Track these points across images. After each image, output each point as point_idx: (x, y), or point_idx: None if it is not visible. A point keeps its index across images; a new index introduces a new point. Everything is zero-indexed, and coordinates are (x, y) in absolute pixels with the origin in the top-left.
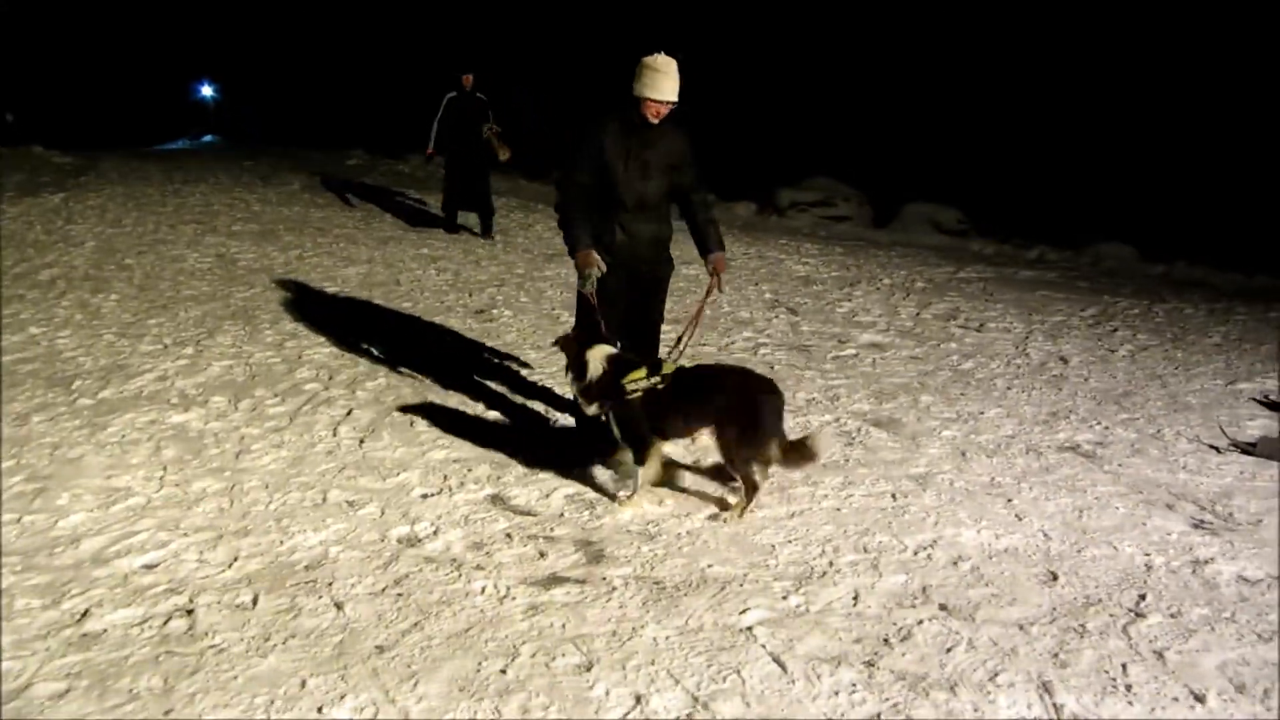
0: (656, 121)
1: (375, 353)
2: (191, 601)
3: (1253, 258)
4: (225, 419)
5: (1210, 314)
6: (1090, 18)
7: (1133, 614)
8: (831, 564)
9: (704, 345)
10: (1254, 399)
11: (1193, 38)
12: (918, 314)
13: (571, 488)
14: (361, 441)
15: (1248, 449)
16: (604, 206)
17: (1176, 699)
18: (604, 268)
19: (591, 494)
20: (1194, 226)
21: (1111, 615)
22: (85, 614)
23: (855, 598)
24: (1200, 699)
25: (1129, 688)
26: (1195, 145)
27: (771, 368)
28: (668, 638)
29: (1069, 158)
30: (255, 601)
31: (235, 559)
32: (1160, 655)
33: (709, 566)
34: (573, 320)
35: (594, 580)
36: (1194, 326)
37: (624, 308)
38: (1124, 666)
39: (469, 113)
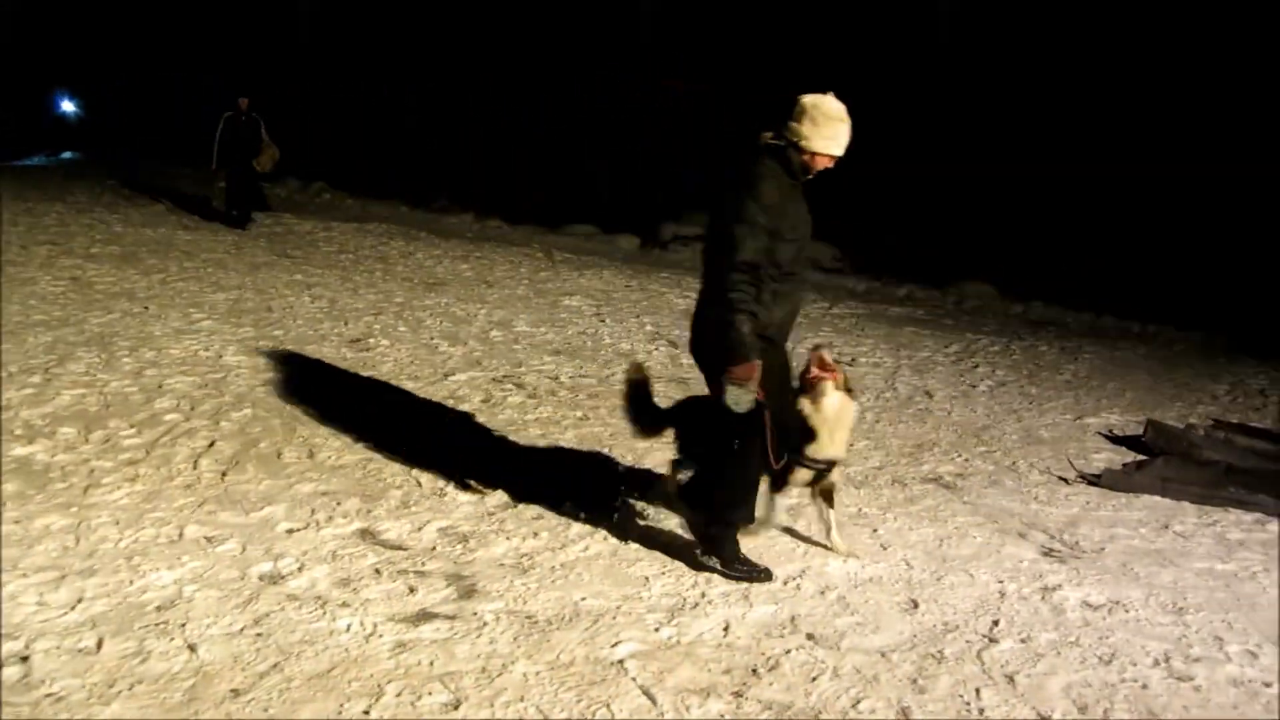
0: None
1: (242, 382)
2: (28, 647)
3: (1101, 298)
4: (74, 451)
5: (1062, 352)
6: (950, 58)
7: (987, 639)
8: (704, 595)
9: (585, 377)
10: (1100, 433)
11: (1047, 78)
12: (793, 349)
13: (444, 520)
14: (224, 475)
15: (1093, 480)
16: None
17: None
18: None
19: (466, 527)
20: (1049, 268)
21: (968, 641)
22: None
23: (726, 628)
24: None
25: (982, 711)
26: (1050, 189)
27: None
28: (538, 673)
29: (937, 198)
30: (100, 645)
31: (79, 600)
32: (1011, 679)
33: (582, 599)
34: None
35: (465, 616)
36: (1047, 364)
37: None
38: (978, 691)
39: (244, 130)
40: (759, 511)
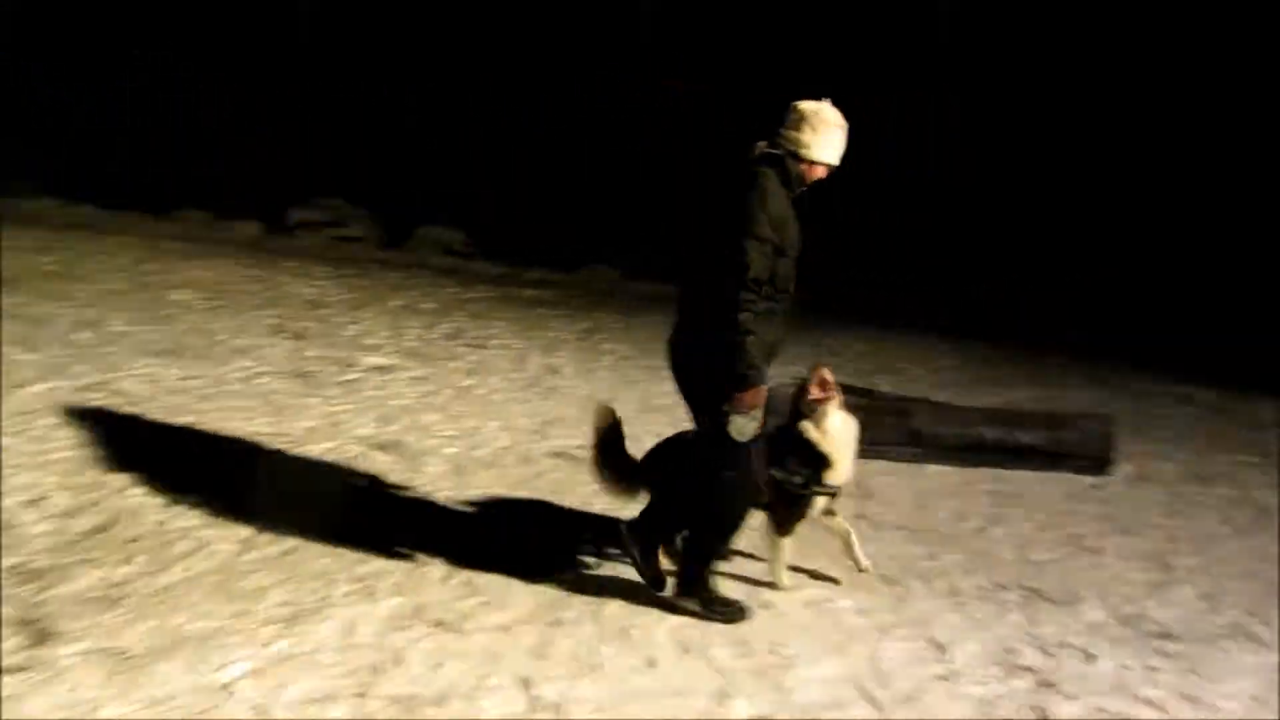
0: None
1: None
2: None
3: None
4: None
5: None
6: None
7: (601, 600)
8: (325, 599)
9: (196, 378)
10: None
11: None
12: (424, 335)
13: (14, 557)
14: None
15: None
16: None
17: (635, 667)
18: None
19: (39, 562)
20: (668, 251)
21: (586, 605)
22: None
23: (350, 629)
24: (653, 664)
25: (598, 666)
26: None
27: (266, 398)
28: (133, 713)
29: (569, 183)
30: None
31: None
32: (625, 632)
33: (185, 624)
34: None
35: (39, 664)
36: (664, 337)
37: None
38: (596, 648)
39: None
40: (773, 561)
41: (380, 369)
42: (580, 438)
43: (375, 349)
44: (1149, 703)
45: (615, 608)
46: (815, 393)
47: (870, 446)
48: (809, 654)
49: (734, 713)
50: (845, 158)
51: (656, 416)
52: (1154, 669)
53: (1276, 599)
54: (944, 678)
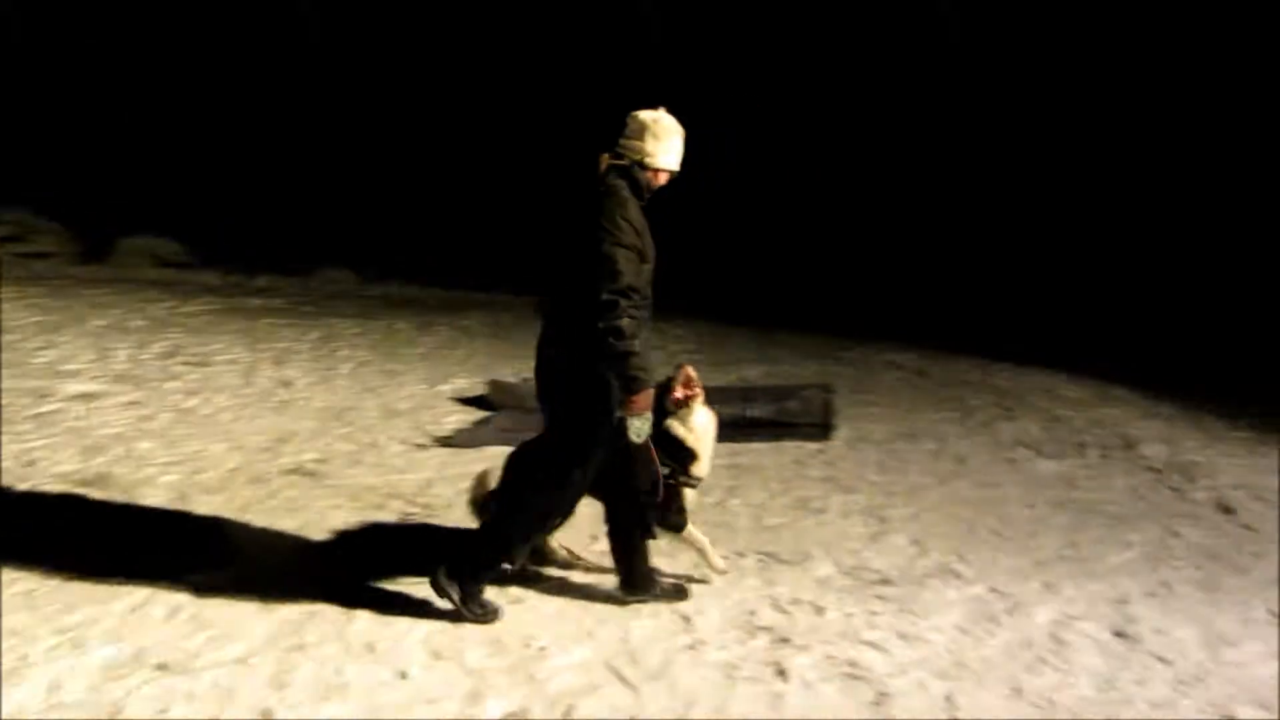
0: None
1: None
2: None
3: (455, 274)
4: None
5: (418, 327)
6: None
7: (346, 617)
8: (24, 657)
9: None
10: (451, 398)
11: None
12: (135, 355)
13: None
14: None
15: (445, 442)
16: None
17: (385, 681)
18: None
19: None
20: (408, 249)
21: (330, 625)
22: None
23: (55, 687)
24: (404, 675)
25: (344, 686)
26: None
27: None
28: None
29: (292, 181)
30: None
31: None
32: (372, 647)
33: None
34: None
35: None
36: (404, 340)
37: None
38: (342, 668)
39: None
40: (703, 551)
41: (84, 397)
42: (317, 451)
43: (76, 375)
44: (871, 645)
45: (362, 623)
46: (681, 391)
47: None
48: (560, 643)
49: (486, 713)
50: None
51: (399, 422)
52: (874, 613)
53: (976, 539)
54: (691, 647)
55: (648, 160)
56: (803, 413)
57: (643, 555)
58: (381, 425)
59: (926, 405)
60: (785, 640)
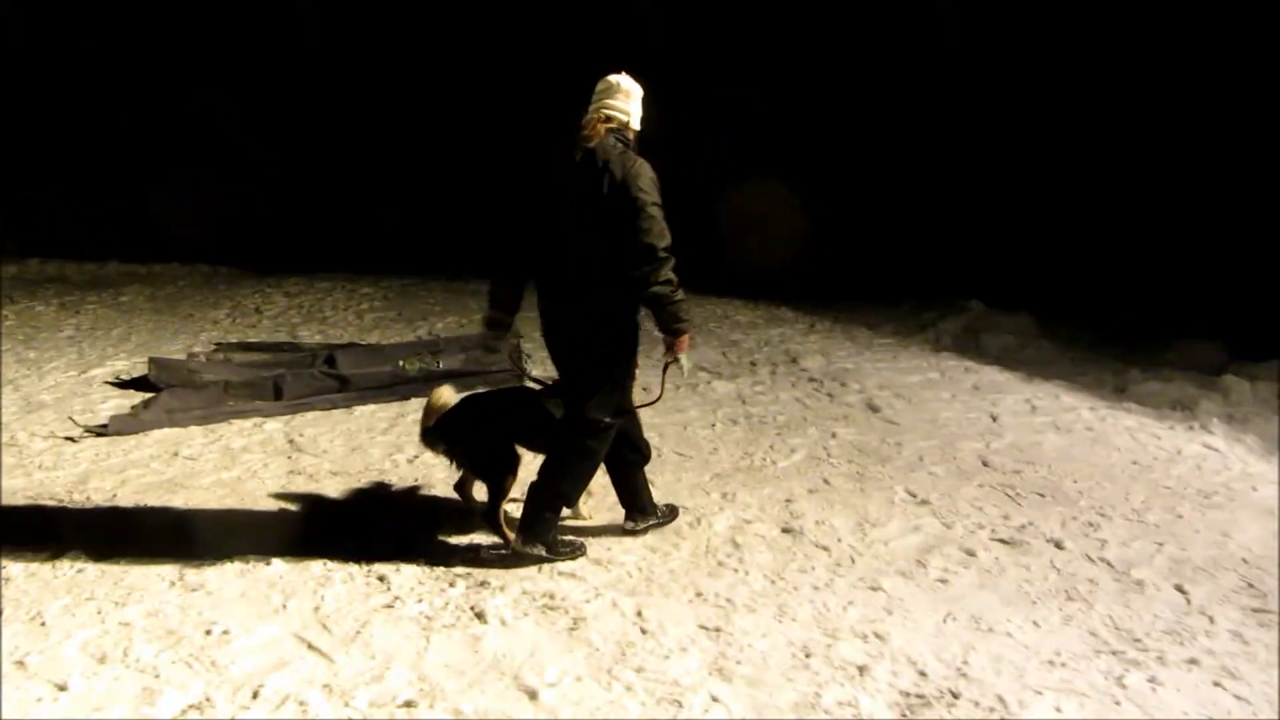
0: None
1: None
2: None
3: (103, 248)
4: None
5: (62, 308)
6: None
7: None
8: None
9: None
10: (107, 382)
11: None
12: None
13: None
14: None
15: (101, 431)
16: None
17: (41, 698)
18: None
19: None
20: (45, 224)
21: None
22: None
23: None
24: (63, 688)
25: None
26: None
27: None
28: None
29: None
30: None
31: None
32: (23, 664)
33: None
34: None
35: None
36: (46, 324)
37: None
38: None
39: None
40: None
41: None
42: None
43: None
44: (567, 574)
45: (12, 640)
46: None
47: (298, 400)
48: (244, 624)
49: (160, 711)
50: None
51: (44, 414)
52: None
53: (662, 462)
54: (388, 606)
55: (631, 121)
56: (493, 360)
57: (556, 508)
58: (21, 420)
59: None
60: (483, 584)
